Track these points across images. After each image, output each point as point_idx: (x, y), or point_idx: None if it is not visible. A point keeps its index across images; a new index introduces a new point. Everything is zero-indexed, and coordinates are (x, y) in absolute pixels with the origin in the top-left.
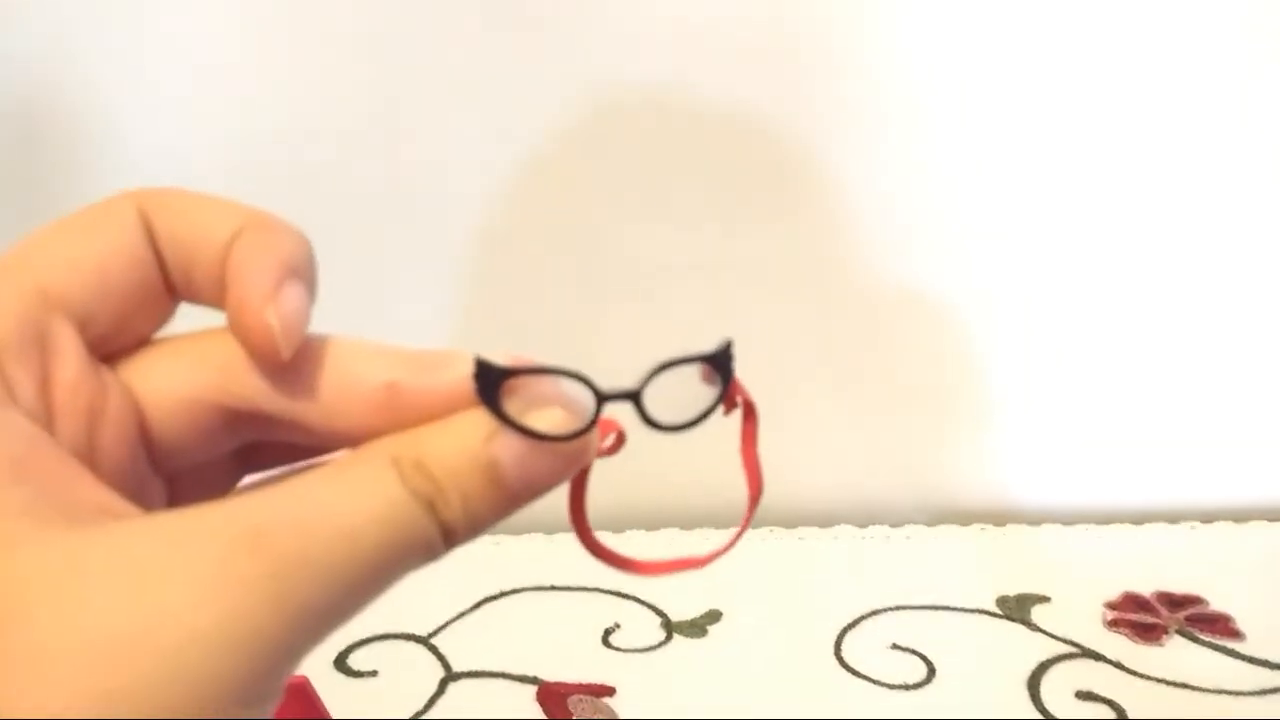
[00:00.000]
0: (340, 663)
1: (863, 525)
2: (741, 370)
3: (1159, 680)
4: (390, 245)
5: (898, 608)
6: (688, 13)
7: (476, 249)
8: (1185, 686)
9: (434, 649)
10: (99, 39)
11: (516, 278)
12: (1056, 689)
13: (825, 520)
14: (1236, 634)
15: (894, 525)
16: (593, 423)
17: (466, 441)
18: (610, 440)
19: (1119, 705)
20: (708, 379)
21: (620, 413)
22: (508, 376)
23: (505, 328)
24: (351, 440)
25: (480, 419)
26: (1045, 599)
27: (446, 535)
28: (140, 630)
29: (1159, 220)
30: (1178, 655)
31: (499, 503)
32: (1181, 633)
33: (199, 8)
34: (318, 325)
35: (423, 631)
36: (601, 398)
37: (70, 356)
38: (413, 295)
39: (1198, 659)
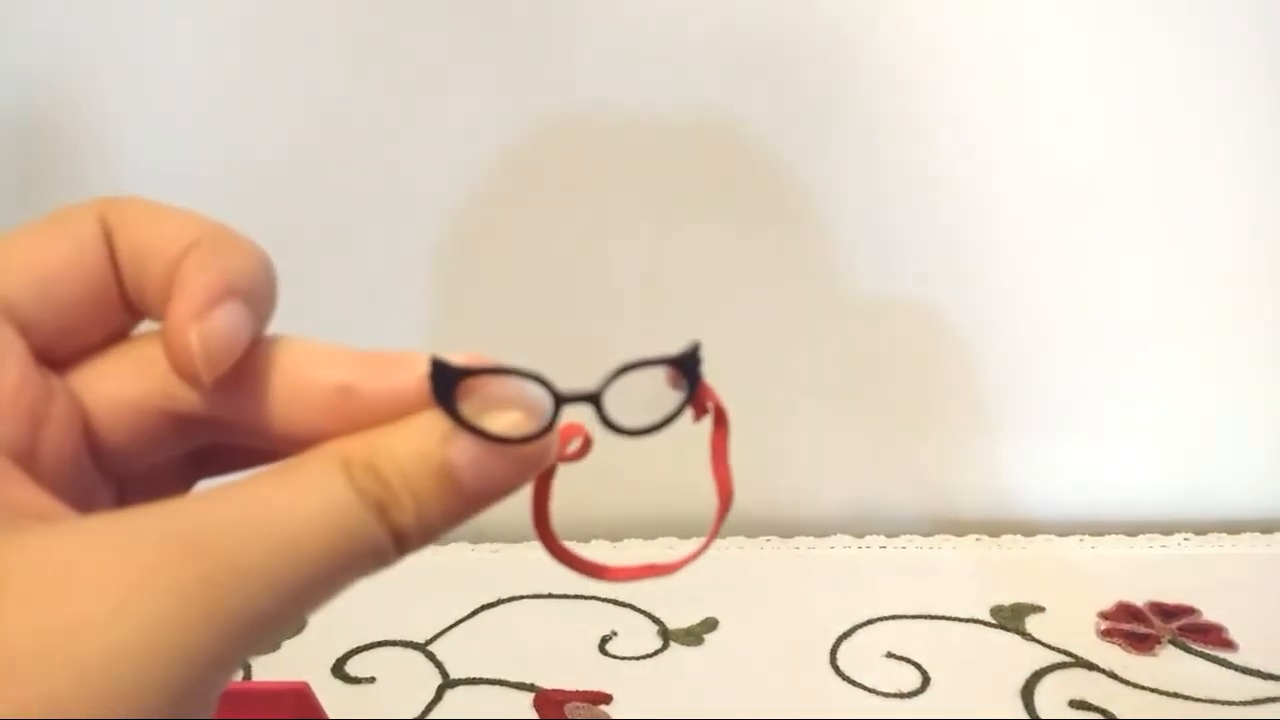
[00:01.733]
0: (338, 669)
1: (859, 535)
2: (738, 379)
3: (1152, 690)
4: (375, 247)
5: (893, 617)
6: (677, 19)
7: (459, 252)
8: (1178, 696)
9: (431, 656)
10: (97, 45)
11: (498, 283)
12: (1050, 698)
13: (821, 530)
14: (1229, 644)
15: (890, 535)
16: (550, 425)
17: (420, 443)
18: (576, 445)
19: (1112, 715)
20: (674, 383)
21: (585, 416)
22: (464, 377)
23: (488, 331)
24: (305, 444)
25: (436, 421)
26: (1039, 609)
27: (398, 540)
28: (59, 639)
29: (1153, 230)
30: (1171, 665)
31: (453, 506)
32: (1174, 643)
33: (193, 13)
34: (299, 327)
35: (420, 639)
36: (560, 399)
37: (13, 358)
38: (396, 297)
39: (1191, 669)
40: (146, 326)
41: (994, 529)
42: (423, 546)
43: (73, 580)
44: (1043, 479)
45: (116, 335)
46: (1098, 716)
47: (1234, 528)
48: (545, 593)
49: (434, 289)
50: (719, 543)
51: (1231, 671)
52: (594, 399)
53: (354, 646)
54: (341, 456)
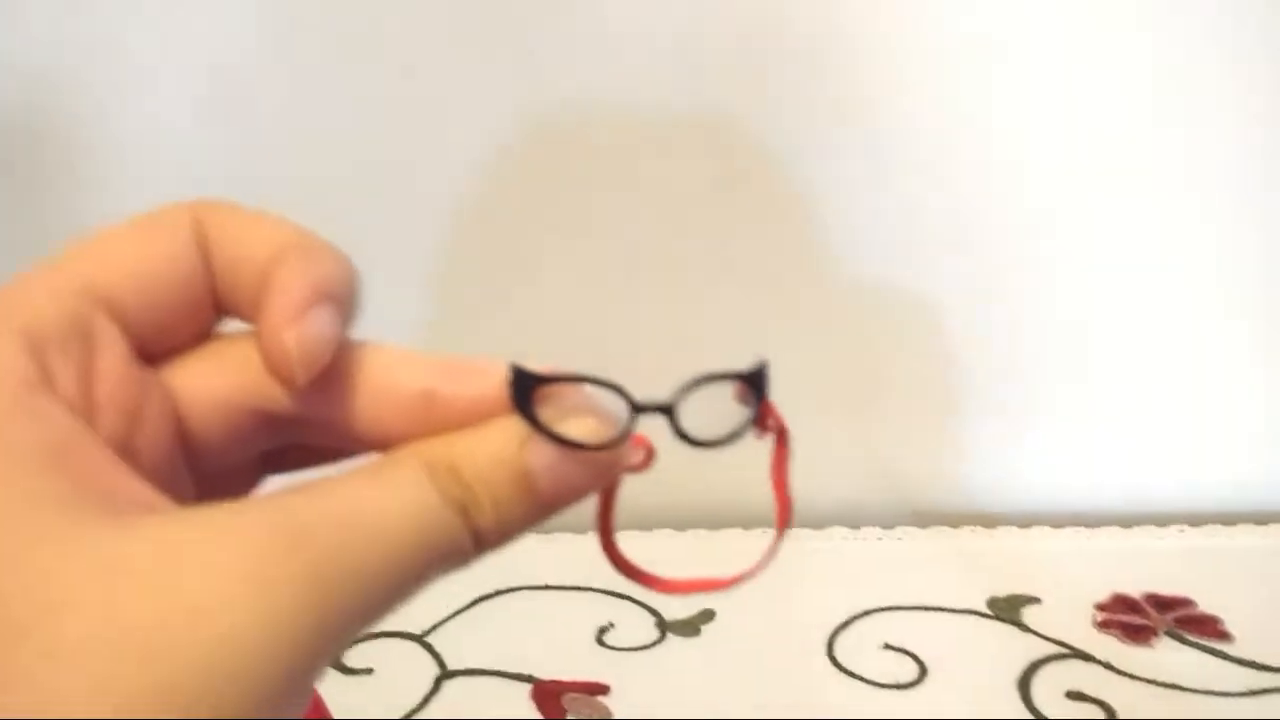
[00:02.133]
0: (336, 660)
1: (855, 526)
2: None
3: (1148, 681)
4: (375, 247)
5: (890, 608)
6: (675, 16)
7: (459, 249)
8: (1174, 687)
9: (429, 647)
10: (95, 45)
11: (496, 280)
12: (1047, 689)
13: (818, 521)
14: (1225, 635)
15: (886, 527)
16: (626, 433)
17: (500, 448)
18: (640, 456)
19: (1109, 705)
20: (742, 397)
21: (649, 425)
22: (542, 384)
23: (485, 328)
24: (383, 445)
25: (514, 426)
26: (1036, 600)
27: (477, 540)
28: (175, 626)
29: (1145, 222)
30: (1167, 656)
31: (530, 509)
32: (1171, 634)
33: (191, 14)
34: None
35: (418, 629)
36: (636, 409)
37: (114, 353)
38: (395, 296)
39: (1187, 660)
40: (227, 324)
41: (990, 520)
42: (499, 548)
43: (186, 568)
44: (1039, 471)
45: (205, 333)
46: (1094, 707)
47: (1230, 519)
48: (543, 584)
49: (433, 286)
50: (714, 533)
51: (1227, 663)
52: (668, 410)
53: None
54: (426, 459)
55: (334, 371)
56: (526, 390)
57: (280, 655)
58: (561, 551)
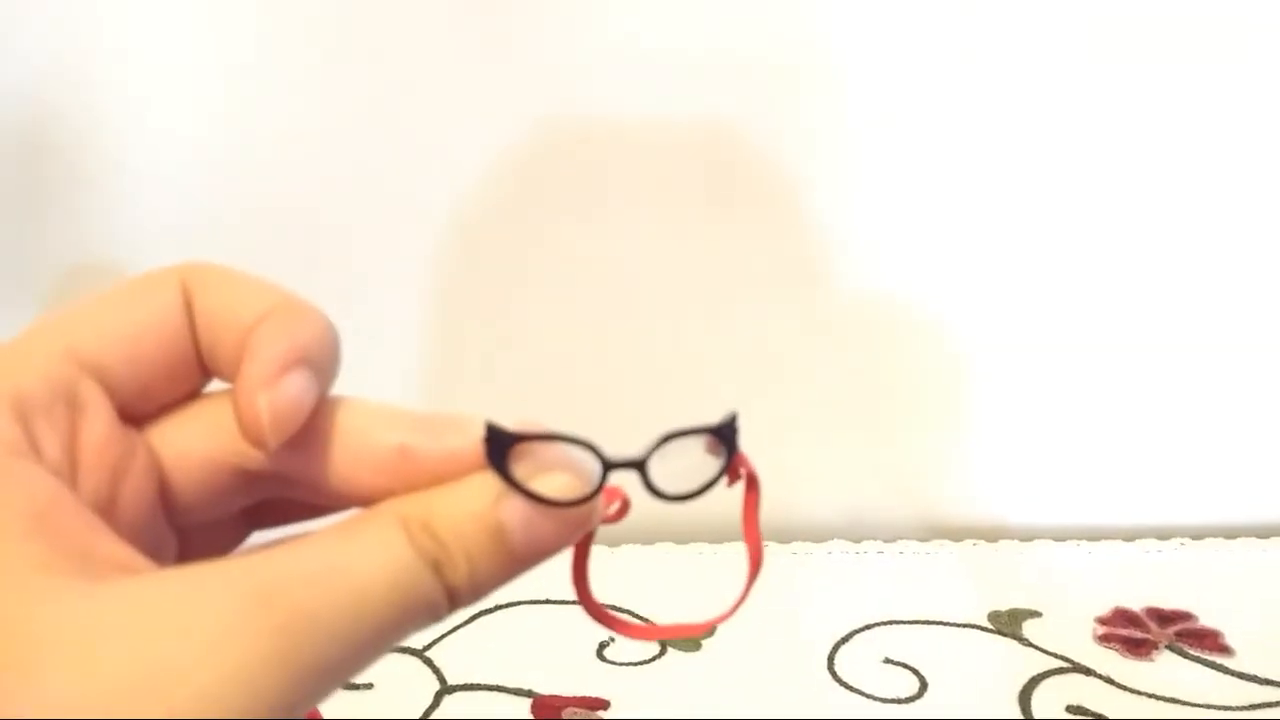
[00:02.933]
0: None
1: (856, 540)
2: (735, 384)
3: (1149, 695)
4: (376, 254)
5: (890, 622)
6: (675, 25)
7: (458, 259)
8: (1175, 701)
9: (429, 662)
10: (96, 53)
11: (497, 290)
12: (1047, 703)
13: (819, 535)
14: (1226, 650)
15: (887, 540)
16: (598, 489)
17: (474, 504)
18: (615, 507)
19: None
20: (711, 449)
21: (623, 477)
22: (516, 441)
23: (487, 338)
24: (362, 500)
25: (488, 482)
26: (1037, 614)
27: (451, 596)
28: (149, 685)
29: (1147, 235)
30: (1168, 670)
31: (504, 565)
32: (1171, 648)
33: (193, 21)
34: None
35: (418, 644)
36: (608, 465)
37: (98, 416)
38: (396, 304)
39: (1188, 674)
40: (216, 385)
41: (991, 534)
42: (472, 604)
43: (161, 628)
44: (1040, 484)
45: (191, 393)
46: None
47: (1231, 532)
48: (543, 598)
49: (433, 296)
50: (717, 547)
51: (1229, 677)
52: (639, 465)
53: None
54: (400, 515)
55: (311, 430)
56: (502, 448)
57: (251, 710)
58: (562, 566)
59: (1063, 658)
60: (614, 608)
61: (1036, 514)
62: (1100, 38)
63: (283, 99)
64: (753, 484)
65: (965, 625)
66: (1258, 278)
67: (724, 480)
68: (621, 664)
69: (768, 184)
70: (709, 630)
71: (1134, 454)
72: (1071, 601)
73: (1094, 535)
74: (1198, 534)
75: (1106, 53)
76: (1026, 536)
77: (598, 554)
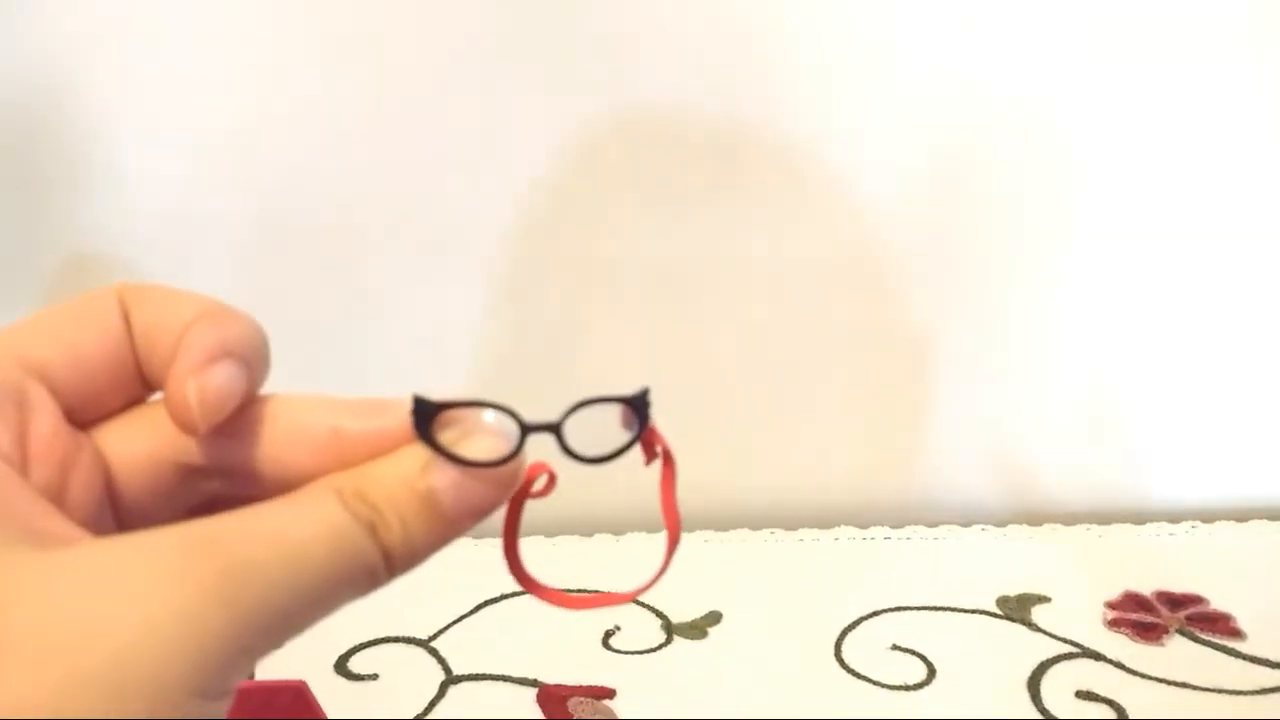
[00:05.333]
0: (341, 666)
1: (864, 526)
2: (745, 371)
3: (1160, 680)
4: (398, 246)
5: (898, 608)
6: (687, 25)
7: (463, 244)
8: (1186, 686)
9: (434, 652)
10: (92, 46)
11: (502, 271)
12: (1057, 689)
13: (826, 521)
14: (1237, 633)
15: (894, 526)
16: (518, 449)
17: (404, 471)
18: (542, 482)
19: (1119, 705)
20: (627, 422)
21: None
22: (441, 410)
23: (512, 326)
24: (303, 480)
25: (417, 452)
26: (1045, 599)
27: (387, 557)
28: (101, 622)
29: (1159, 216)
30: (1178, 655)
31: (436, 527)
32: (1182, 632)
33: (192, 14)
34: (294, 326)
35: (423, 635)
36: (525, 428)
37: (46, 416)
38: (394, 296)
39: (1198, 658)
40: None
41: (999, 519)
42: (409, 568)
43: (111, 575)
44: (1048, 467)
45: (134, 402)
46: (1105, 707)
47: (1242, 515)
48: None
49: (435, 277)
50: (723, 534)
51: (1240, 660)
52: (555, 429)
53: (357, 644)
54: (334, 485)
55: (244, 420)
56: (427, 418)
57: (196, 649)
58: (567, 555)
59: (1072, 643)
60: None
61: (1045, 498)
62: (1099, 46)
63: (285, 98)
64: (668, 460)
65: (973, 611)
66: (1262, 259)
67: (643, 458)
68: (627, 652)
69: (783, 171)
70: (631, 599)
71: (1143, 436)
72: (1081, 586)
73: (1103, 519)
74: (1208, 517)
75: (1105, 49)
76: (1035, 521)
77: (571, 543)
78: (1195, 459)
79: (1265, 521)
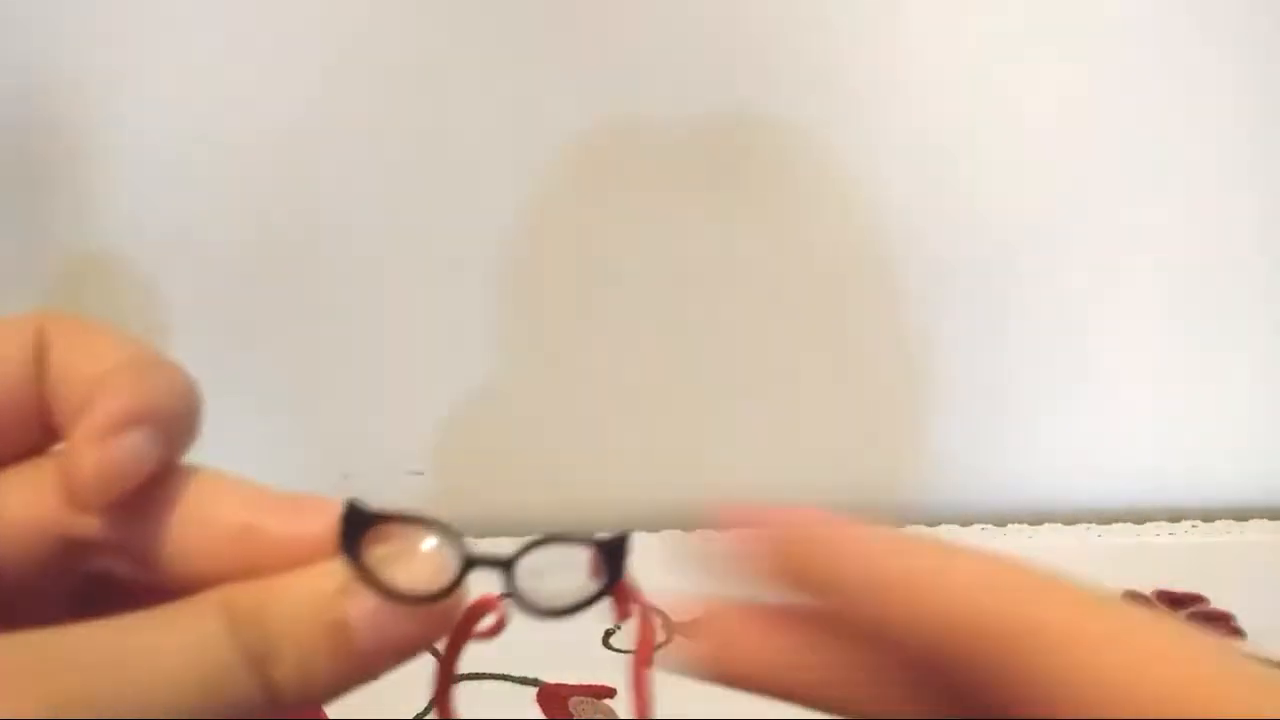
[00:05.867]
0: None
1: None
2: (745, 370)
3: None
4: (395, 249)
5: None
6: (691, 22)
7: (460, 243)
8: None
9: (434, 651)
10: (94, 41)
11: (499, 271)
12: None
13: None
14: (1238, 632)
15: (895, 526)
16: (456, 584)
17: (316, 593)
18: (491, 621)
19: None
20: (595, 571)
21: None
22: (375, 522)
23: (512, 331)
24: (205, 582)
25: (335, 571)
26: None
27: (273, 694)
28: None
29: (1159, 216)
30: None
31: (346, 665)
32: None
33: (192, 9)
34: (293, 324)
35: None
36: (470, 561)
37: None
38: (395, 291)
39: None
40: None
41: (1000, 518)
42: (314, 703)
43: None
44: (1049, 468)
45: (31, 451)
46: None
47: (1241, 515)
48: None
49: (432, 277)
50: (723, 534)
51: None
52: (506, 565)
53: None
54: (226, 601)
55: (151, 498)
56: (358, 530)
57: None
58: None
59: None
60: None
61: (1046, 497)
62: (1102, 33)
63: (280, 96)
64: (646, 624)
65: None
66: (1260, 259)
67: (613, 612)
68: (628, 652)
69: (789, 170)
70: None
71: (1143, 436)
72: None
73: (1104, 518)
74: (1208, 516)
75: (1105, 51)
76: (1035, 520)
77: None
78: (1195, 458)
79: (1265, 521)
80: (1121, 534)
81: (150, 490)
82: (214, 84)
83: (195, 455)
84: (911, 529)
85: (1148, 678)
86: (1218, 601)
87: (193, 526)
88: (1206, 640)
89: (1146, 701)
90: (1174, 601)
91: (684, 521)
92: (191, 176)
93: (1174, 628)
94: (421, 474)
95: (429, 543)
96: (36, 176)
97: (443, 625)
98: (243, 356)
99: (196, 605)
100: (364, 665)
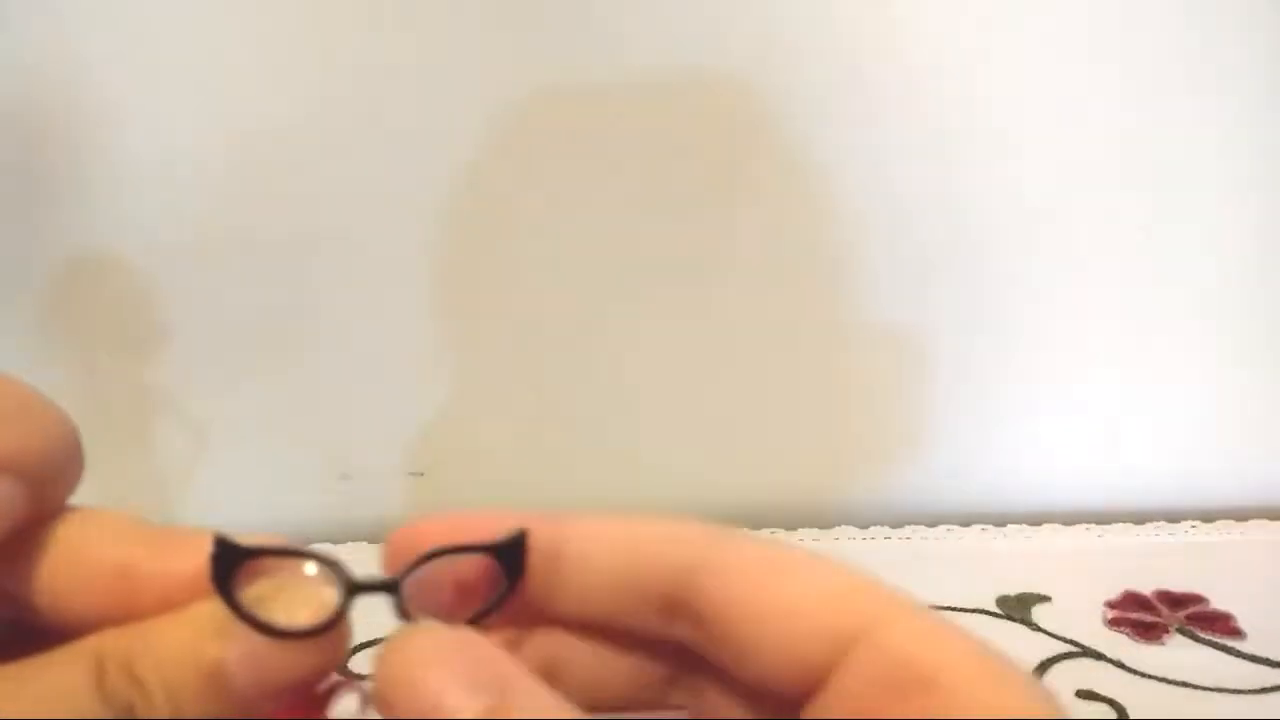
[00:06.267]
0: (340, 667)
1: (863, 526)
2: (740, 371)
3: (1160, 679)
4: (378, 236)
5: None
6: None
7: (457, 240)
8: (1186, 685)
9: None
10: (97, 37)
11: (497, 270)
12: (1057, 688)
13: (825, 521)
14: (1237, 632)
15: (894, 526)
16: (340, 615)
17: (189, 637)
18: (347, 709)
19: (1120, 704)
20: (493, 575)
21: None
22: (248, 558)
23: (484, 318)
24: (82, 624)
25: (210, 613)
26: (1046, 598)
27: None
28: None
29: (1160, 216)
30: (1179, 654)
31: (222, 707)
32: (1182, 631)
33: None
34: (298, 319)
35: None
36: (353, 587)
37: None
38: (396, 287)
39: (1199, 658)
40: None
41: (999, 518)
42: None
43: None
44: (1048, 467)
45: None
46: (1105, 706)
47: (1242, 515)
48: None
49: (431, 276)
50: None
51: (1240, 660)
52: (391, 588)
53: (356, 644)
54: (96, 653)
55: (24, 545)
56: (229, 566)
57: None
58: None
59: (1072, 642)
60: None
61: (1045, 497)
62: (1100, 34)
63: (280, 96)
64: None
65: (973, 610)
66: (1257, 259)
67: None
68: None
69: (776, 163)
70: None
71: (1143, 435)
72: (1081, 585)
73: (1104, 518)
74: (1209, 516)
75: (1104, 51)
76: (1035, 520)
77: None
78: (1195, 458)
79: (1265, 521)
80: (1121, 534)
81: (27, 534)
82: (214, 84)
83: (199, 458)
84: (911, 529)
85: (787, 593)
86: (1218, 601)
87: (67, 572)
88: (847, 568)
89: (784, 609)
90: (1174, 602)
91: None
92: (191, 176)
93: (825, 561)
94: (421, 474)
95: (309, 573)
96: (36, 176)
97: (330, 658)
98: (242, 357)
99: (68, 654)
100: (245, 707)
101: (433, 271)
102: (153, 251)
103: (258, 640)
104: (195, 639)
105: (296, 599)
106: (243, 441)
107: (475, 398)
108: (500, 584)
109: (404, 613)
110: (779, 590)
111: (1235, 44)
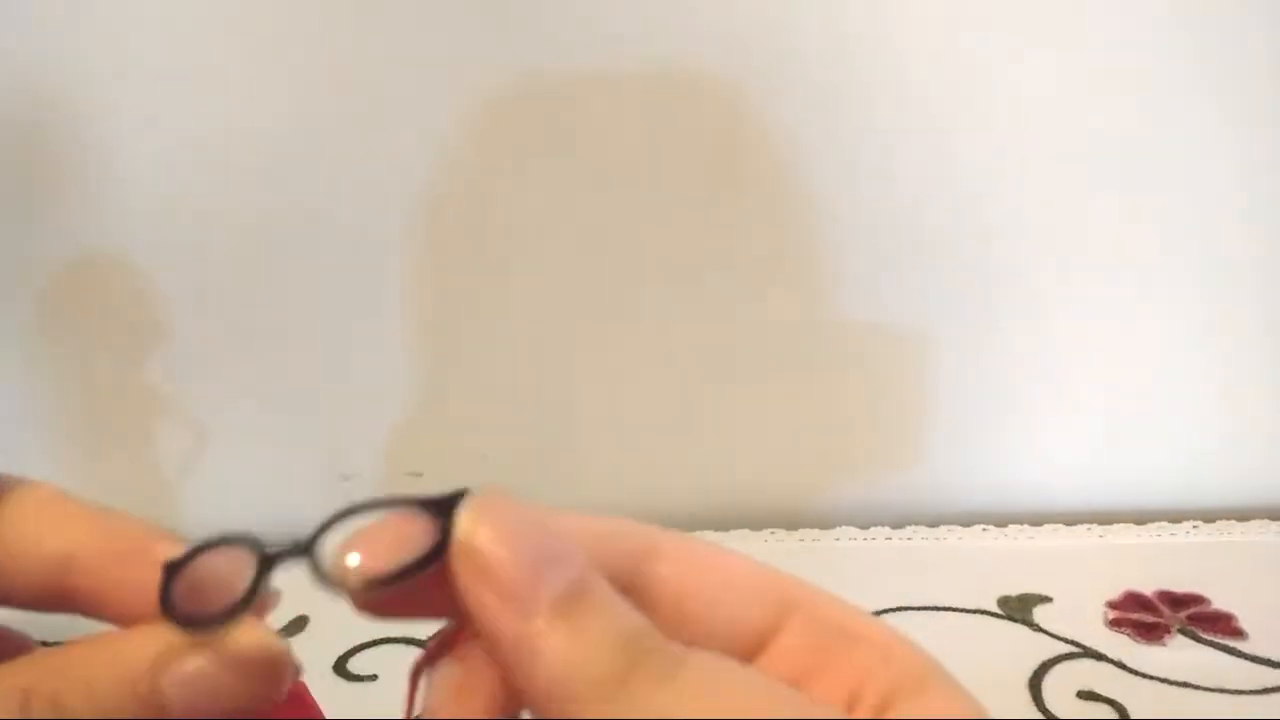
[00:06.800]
0: (340, 667)
1: (864, 526)
2: (742, 372)
3: (1161, 680)
4: (396, 249)
5: (899, 608)
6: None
7: (440, 233)
8: (1187, 686)
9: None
10: (90, 41)
11: (498, 271)
12: (1058, 689)
13: (826, 522)
14: (1239, 633)
15: (895, 526)
16: (255, 589)
17: (124, 668)
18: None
19: (1121, 705)
20: (424, 529)
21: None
22: (177, 570)
23: (461, 309)
24: (29, 603)
25: (154, 637)
26: (1047, 599)
27: None
28: None
29: (1160, 215)
30: (1180, 655)
31: None
32: (1184, 632)
33: (184, 7)
34: (288, 312)
35: (422, 635)
36: (266, 561)
37: None
38: (394, 283)
39: (1200, 658)
40: None
41: (1001, 519)
42: None
43: None
44: (1050, 467)
45: None
46: (1106, 707)
47: (1243, 515)
48: None
49: (431, 277)
50: (724, 535)
51: (1241, 660)
52: (305, 550)
53: (356, 644)
54: (24, 686)
55: None
56: (169, 580)
57: None
58: None
59: (1074, 643)
60: None
61: (1046, 497)
62: (1100, 34)
63: (280, 96)
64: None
65: (974, 611)
66: (1260, 259)
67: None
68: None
69: (768, 165)
70: None
71: (1144, 436)
72: (1082, 586)
73: (1105, 519)
74: (1210, 516)
75: (1104, 51)
76: (1036, 520)
77: None
78: (1196, 458)
79: (1266, 521)
80: (1122, 534)
81: None
82: (214, 84)
83: (198, 457)
84: (911, 529)
85: (733, 570)
86: (1218, 601)
87: (15, 545)
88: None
89: (733, 583)
90: (1175, 602)
91: (685, 521)
92: (191, 176)
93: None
94: (421, 475)
95: (230, 558)
96: (36, 176)
97: (274, 677)
98: (242, 356)
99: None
100: None
101: (433, 272)
102: (152, 251)
103: (196, 667)
104: (132, 669)
105: (223, 589)
106: (243, 441)
107: (475, 398)
108: (435, 536)
109: (321, 575)
110: (726, 569)
111: (1236, 43)
